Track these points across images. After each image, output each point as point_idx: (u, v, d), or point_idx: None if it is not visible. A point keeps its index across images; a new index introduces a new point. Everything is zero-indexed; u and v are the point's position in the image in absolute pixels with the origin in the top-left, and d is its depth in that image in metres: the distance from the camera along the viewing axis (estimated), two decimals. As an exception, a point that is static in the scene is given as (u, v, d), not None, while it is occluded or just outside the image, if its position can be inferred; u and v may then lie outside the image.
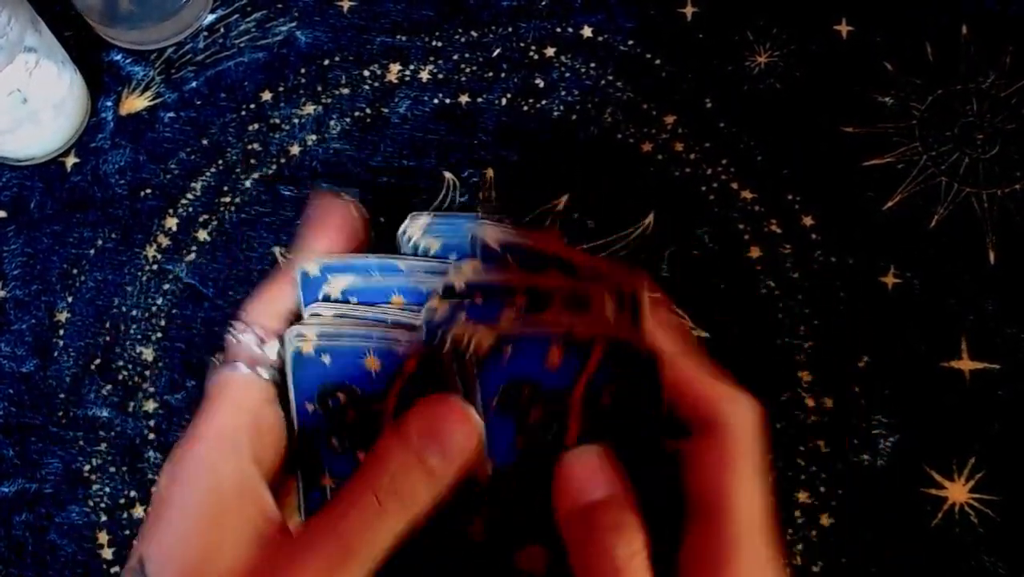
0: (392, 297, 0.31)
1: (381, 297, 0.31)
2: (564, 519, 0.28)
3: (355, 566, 0.28)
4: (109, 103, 0.50)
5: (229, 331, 0.31)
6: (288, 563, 0.28)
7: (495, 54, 0.49)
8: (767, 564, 0.26)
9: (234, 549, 0.28)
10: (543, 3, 0.50)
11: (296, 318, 0.31)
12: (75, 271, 0.46)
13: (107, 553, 0.41)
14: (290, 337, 0.31)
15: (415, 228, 0.32)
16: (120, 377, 0.44)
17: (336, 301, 0.31)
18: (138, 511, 0.42)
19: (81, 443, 0.43)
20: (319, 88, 0.49)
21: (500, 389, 0.30)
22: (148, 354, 0.44)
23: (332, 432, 0.31)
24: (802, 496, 0.40)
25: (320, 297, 0.31)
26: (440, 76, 0.49)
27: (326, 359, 0.31)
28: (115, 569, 0.41)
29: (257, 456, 0.29)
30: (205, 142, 0.48)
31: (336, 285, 0.32)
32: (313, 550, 0.28)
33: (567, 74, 0.48)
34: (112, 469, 0.43)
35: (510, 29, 0.50)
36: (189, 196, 0.47)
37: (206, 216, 0.47)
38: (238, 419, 0.30)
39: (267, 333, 0.31)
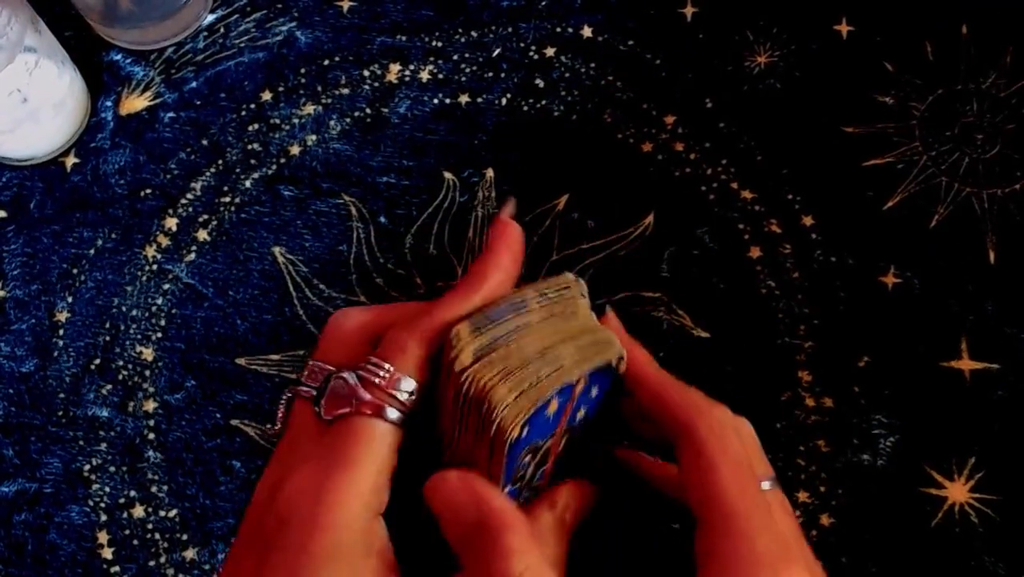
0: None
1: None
2: (456, 548, 0.28)
3: None
4: (109, 103, 0.50)
5: (369, 367, 0.29)
6: None
7: (495, 54, 0.49)
8: (757, 552, 0.27)
9: None
10: (543, 3, 0.50)
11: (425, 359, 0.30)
12: (75, 271, 0.46)
13: (107, 553, 0.41)
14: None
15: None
16: (120, 377, 0.44)
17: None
18: (138, 511, 0.42)
19: (81, 443, 0.43)
20: (319, 88, 0.49)
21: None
22: (148, 354, 0.44)
23: (514, 481, 0.31)
24: (802, 496, 0.40)
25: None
26: (440, 76, 0.49)
27: (524, 431, 0.29)
28: (115, 569, 0.41)
29: (382, 508, 0.28)
30: (205, 142, 0.48)
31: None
32: None
33: (567, 74, 0.48)
34: (112, 469, 0.43)
35: (510, 29, 0.50)
36: (189, 196, 0.47)
37: (206, 216, 0.47)
38: (378, 480, 0.28)
39: (408, 370, 0.29)
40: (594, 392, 0.31)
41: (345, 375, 0.29)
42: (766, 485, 0.31)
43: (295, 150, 0.48)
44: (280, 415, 0.31)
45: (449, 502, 0.27)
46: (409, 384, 0.29)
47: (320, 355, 0.31)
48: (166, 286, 0.45)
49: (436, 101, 0.48)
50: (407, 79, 0.49)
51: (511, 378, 0.28)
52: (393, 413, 0.29)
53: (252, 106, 0.49)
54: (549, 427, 0.30)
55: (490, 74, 0.49)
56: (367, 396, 0.28)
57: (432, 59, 0.49)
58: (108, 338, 0.45)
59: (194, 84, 0.50)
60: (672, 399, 0.30)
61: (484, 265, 0.31)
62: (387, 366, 0.29)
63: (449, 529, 0.27)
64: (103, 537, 0.42)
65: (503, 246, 0.32)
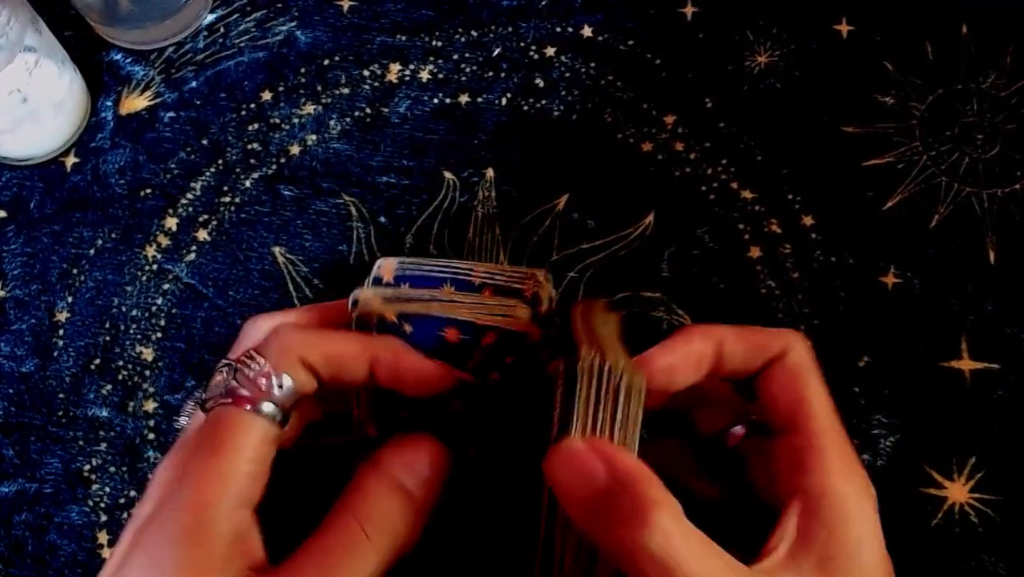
0: (444, 287, 0.32)
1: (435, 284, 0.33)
2: (578, 516, 0.28)
3: None
4: (109, 103, 0.49)
5: (244, 359, 0.30)
6: None
7: (495, 54, 0.49)
8: (850, 453, 0.29)
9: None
10: (543, 3, 0.50)
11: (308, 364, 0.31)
12: (75, 271, 0.46)
13: (107, 553, 0.41)
14: (366, 299, 0.32)
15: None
16: (120, 377, 0.44)
17: (387, 285, 0.33)
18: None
19: (81, 443, 0.43)
20: (319, 88, 0.49)
21: None
22: (148, 354, 0.44)
23: (402, 405, 0.32)
24: (802, 496, 0.40)
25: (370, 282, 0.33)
26: (440, 76, 0.49)
27: (407, 328, 0.32)
28: (115, 569, 0.41)
29: (253, 500, 0.29)
30: (205, 142, 0.48)
31: (387, 268, 0.33)
32: None
33: (567, 74, 0.48)
34: (112, 469, 0.43)
35: (510, 29, 0.50)
36: (189, 196, 0.47)
37: (206, 216, 0.47)
38: (248, 468, 0.28)
39: (280, 367, 0.29)
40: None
41: (223, 368, 0.30)
42: None
43: (295, 150, 0.48)
44: (186, 408, 0.31)
45: (578, 470, 0.27)
46: (286, 380, 0.29)
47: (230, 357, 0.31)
48: (166, 286, 0.45)
49: (436, 101, 0.48)
50: (407, 79, 0.49)
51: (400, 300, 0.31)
52: (268, 407, 0.29)
53: (252, 106, 0.49)
54: (447, 348, 0.31)
55: (490, 74, 0.49)
56: (239, 388, 0.29)
57: (432, 59, 0.49)
58: (108, 338, 0.45)
59: (194, 84, 0.50)
60: (759, 335, 0.31)
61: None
62: (260, 360, 0.29)
63: (575, 500, 0.27)
64: (103, 537, 0.42)
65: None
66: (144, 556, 0.27)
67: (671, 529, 0.25)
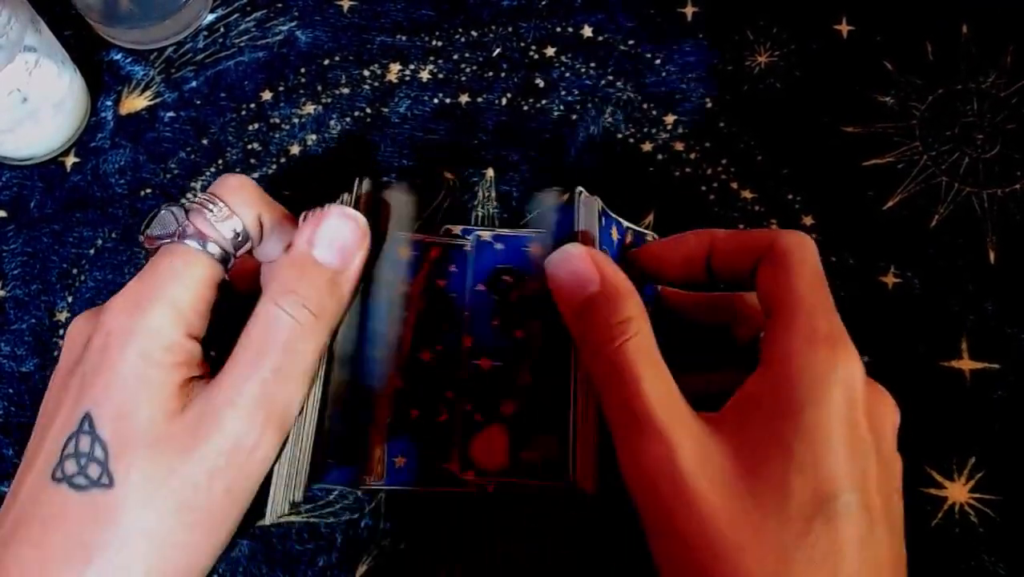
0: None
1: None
2: (569, 319, 0.31)
3: (292, 387, 0.30)
4: (109, 103, 0.49)
5: (200, 200, 0.31)
6: (223, 387, 0.29)
7: (495, 54, 0.49)
8: (825, 328, 0.29)
9: (182, 410, 0.29)
10: (543, 3, 0.50)
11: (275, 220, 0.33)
12: (75, 271, 0.46)
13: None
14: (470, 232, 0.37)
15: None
16: (120, 377, 0.44)
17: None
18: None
19: (81, 443, 0.43)
20: (319, 88, 0.49)
21: (489, 272, 0.37)
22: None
23: (497, 311, 0.36)
24: (802, 496, 0.40)
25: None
26: (440, 76, 0.49)
27: (499, 245, 0.37)
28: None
29: (199, 331, 0.30)
30: (205, 142, 0.48)
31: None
32: (251, 382, 0.29)
33: (567, 74, 0.48)
34: (112, 469, 0.43)
35: (510, 29, 0.50)
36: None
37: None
38: (191, 299, 0.30)
39: (240, 213, 0.31)
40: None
41: (174, 208, 0.31)
42: None
43: (295, 150, 0.48)
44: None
45: (573, 271, 0.30)
46: (236, 224, 0.31)
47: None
48: (166, 286, 0.45)
49: (436, 101, 0.48)
50: (407, 79, 0.49)
51: None
52: (214, 248, 0.31)
53: (252, 106, 0.49)
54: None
55: (490, 74, 0.49)
56: (190, 226, 0.31)
57: (432, 59, 0.49)
58: (108, 338, 0.45)
59: (194, 84, 0.50)
60: (751, 232, 0.32)
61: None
62: (221, 204, 0.31)
63: (567, 300, 0.31)
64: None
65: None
66: (115, 367, 0.29)
67: (638, 348, 0.29)
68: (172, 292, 0.30)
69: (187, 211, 0.31)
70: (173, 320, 0.29)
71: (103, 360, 0.29)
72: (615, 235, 0.36)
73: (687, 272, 0.34)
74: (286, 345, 0.30)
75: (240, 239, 0.31)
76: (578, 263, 0.30)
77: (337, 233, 0.32)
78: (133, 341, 0.29)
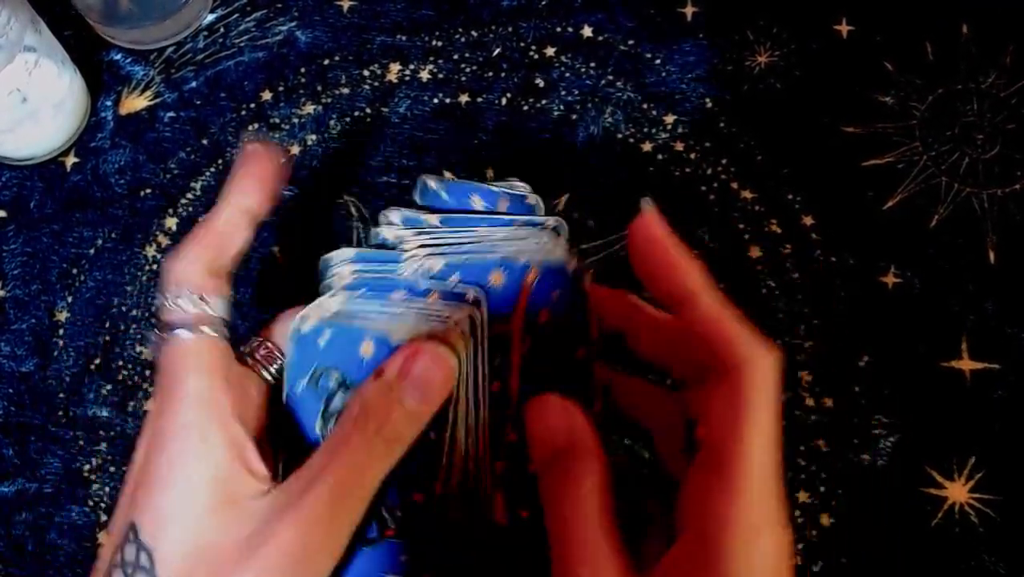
0: (393, 293, 0.32)
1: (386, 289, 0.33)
2: (537, 464, 0.30)
3: (352, 503, 0.29)
4: (109, 103, 0.49)
5: (162, 298, 0.31)
6: (287, 512, 0.28)
7: (495, 54, 0.49)
8: (774, 517, 0.26)
9: (231, 511, 0.28)
10: (543, 3, 0.50)
11: (224, 271, 0.33)
12: (75, 271, 0.46)
13: (107, 553, 0.41)
14: (295, 319, 0.32)
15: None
16: (120, 377, 0.44)
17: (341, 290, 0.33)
18: (138, 511, 0.42)
19: (81, 443, 0.43)
20: (319, 88, 0.49)
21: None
22: (148, 354, 0.44)
23: (321, 413, 0.32)
24: (802, 496, 0.40)
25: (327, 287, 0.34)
26: (440, 76, 0.49)
27: (322, 341, 0.32)
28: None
29: (240, 415, 0.30)
30: (205, 142, 0.48)
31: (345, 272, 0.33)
32: (310, 495, 0.28)
33: (567, 74, 0.48)
34: (112, 469, 0.43)
35: (510, 29, 0.50)
36: (189, 196, 0.47)
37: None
38: (211, 380, 0.30)
39: (204, 291, 0.31)
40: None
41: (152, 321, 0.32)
42: None
43: (295, 150, 0.48)
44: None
45: (548, 423, 0.29)
46: (199, 297, 0.31)
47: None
48: (166, 286, 0.45)
49: (436, 101, 0.48)
50: (407, 78, 0.49)
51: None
52: (207, 329, 0.31)
53: (252, 106, 0.49)
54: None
55: (490, 74, 0.49)
56: (169, 323, 0.31)
57: (432, 59, 0.49)
58: (108, 338, 0.45)
59: (194, 84, 0.50)
60: (732, 329, 0.28)
61: (227, 186, 0.35)
62: (172, 290, 0.31)
63: (538, 450, 0.29)
64: (103, 537, 0.42)
65: (240, 167, 0.35)
66: (161, 477, 0.29)
67: (590, 512, 0.28)
68: (199, 384, 0.30)
69: (171, 303, 0.31)
70: (202, 410, 0.29)
71: (147, 465, 0.29)
72: (479, 203, 0.34)
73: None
74: (356, 467, 0.29)
75: (216, 304, 0.32)
76: (554, 418, 0.29)
77: (427, 374, 0.31)
78: (169, 444, 0.29)
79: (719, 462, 0.26)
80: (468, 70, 0.49)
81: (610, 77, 0.48)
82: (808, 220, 0.45)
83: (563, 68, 0.49)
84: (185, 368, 0.30)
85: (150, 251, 0.46)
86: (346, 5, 0.51)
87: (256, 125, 0.48)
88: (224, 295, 0.32)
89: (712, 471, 0.26)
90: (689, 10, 0.50)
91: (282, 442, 0.32)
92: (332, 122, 0.48)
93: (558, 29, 0.50)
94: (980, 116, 0.46)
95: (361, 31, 0.50)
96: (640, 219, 0.31)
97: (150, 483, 0.29)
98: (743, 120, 0.47)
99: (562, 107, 0.48)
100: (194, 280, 0.31)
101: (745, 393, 0.27)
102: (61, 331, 0.45)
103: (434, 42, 0.50)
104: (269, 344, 0.34)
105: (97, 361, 0.44)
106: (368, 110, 0.48)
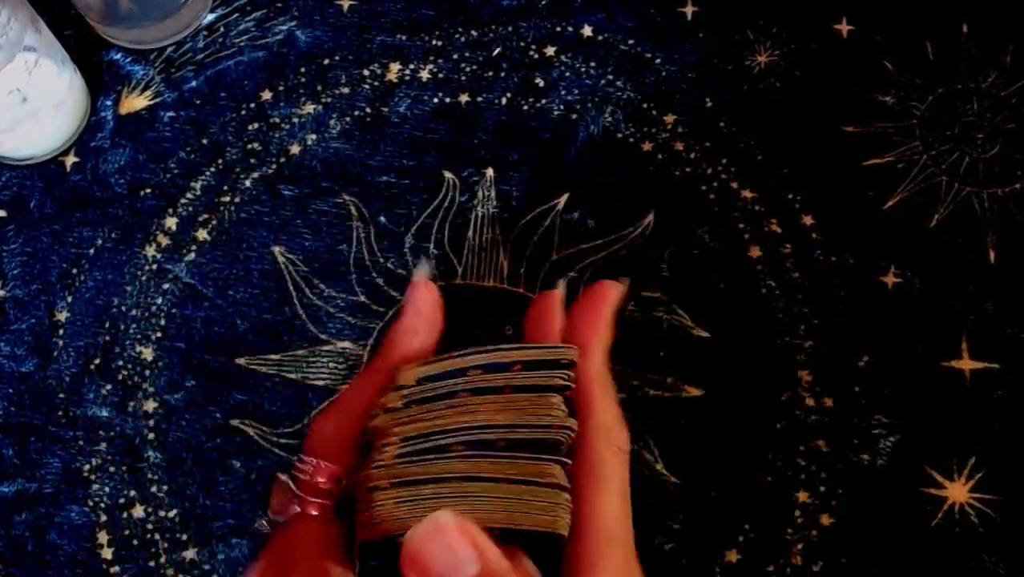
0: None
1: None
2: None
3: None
4: (109, 102, 0.49)
5: (298, 468, 0.31)
6: None
7: (495, 53, 0.49)
8: (626, 568, 0.28)
9: None
10: (543, 2, 0.50)
11: (364, 445, 0.31)
12: (75, 271, 0.46)
13: (107, 553, 0.41)
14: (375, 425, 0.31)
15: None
16: (120, 377, 0.44)
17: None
18: (138, 511, 0.42)
19: (81, 443, 0.43)
20: (319, 87, 0.49)
21: None
22: (148, 354, 0.44)
23: None
24: (802, 496, 0.40)
25: None
26: (440, 75, 0.49)
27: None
28: (115, 569, 0.41)
29: None
30: (205, 141, 0.48)
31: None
32: None
33: (567, 74, 0.48)
34: (112, 469, 0.43)
35: (510, 28, 0.50)
36: (189, 195, 0.47)
37: (206, 216, 0.47)
38: (320, 566, 0.29)
39: (338, 467, 0.31)
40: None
41: (283, 477, 0.31)
42: None
43: (295, 149, 0.48)
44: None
45: (447, 550, 0.25)
46: (329, 469, 0.31)
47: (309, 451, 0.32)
48: (166, 286, 0.45)
49: (436, 100, 0.48)
50: (407, 78, 0.49)
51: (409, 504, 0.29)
52: (320, 506, 0.30)
53: (252, 105, 0.49)
54: None
55: (490, 73, 0.49)
56: (300, 495, 0.30)
57: (432, 58, 0.49)
58: (108, 338, 0.45)
59: (194, 83, 0.50)
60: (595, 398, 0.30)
61: (394, 333, 0.33)
62: (310, 460, 0.31)
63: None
64: (103, 537, 0.42)
65: (412, 311, 0.33)
66: None
67: None
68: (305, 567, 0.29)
69: (294, 479, 0.31)
70: None
71: None
72: None
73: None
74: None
75: (337, 478, 0.31)
76: (455, 541, 0.25)
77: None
78: None
79: (577, 531, 0.28)
80: (468, 70, 0.49)
81: (610, 77, 0.48)
82: (808, 220, 0.45)
83: (563, 68, 0.49)
84: (306, 556, 0.29)
85: (150, 251, 0.46)
86: (346, 4, 0.51)
87: (256, 125, 0.48)
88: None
89: (574, 538, 0.28)
90: (689, 10, 0.50)
91: None
92: (332, 122, 0.48)
93: (558, 29, 0.49)
94: (980, 116, 0.46)
95: (361, 31, 0.50)
96: (541, 296, 0.33)
97: None
98: (743, 120, 0.47)
99: (562, 107, 0.48)
100: (332, 454, 0.31)
101: (592, 467, 0.29)
102: (61, 331, 0.45)
103: (434, 42, 0.50)
104: (323, 465, 0.31)
105: (97, 361, 0.44)
106: (368, 110, 0.48)
